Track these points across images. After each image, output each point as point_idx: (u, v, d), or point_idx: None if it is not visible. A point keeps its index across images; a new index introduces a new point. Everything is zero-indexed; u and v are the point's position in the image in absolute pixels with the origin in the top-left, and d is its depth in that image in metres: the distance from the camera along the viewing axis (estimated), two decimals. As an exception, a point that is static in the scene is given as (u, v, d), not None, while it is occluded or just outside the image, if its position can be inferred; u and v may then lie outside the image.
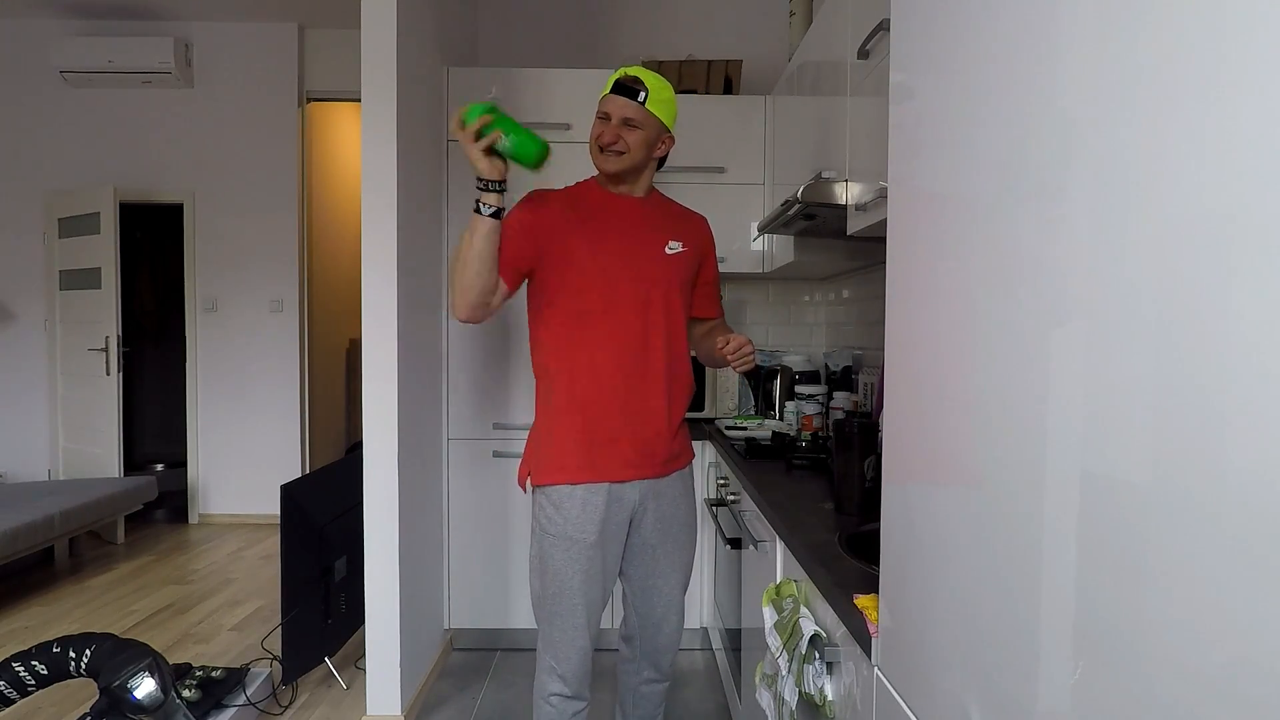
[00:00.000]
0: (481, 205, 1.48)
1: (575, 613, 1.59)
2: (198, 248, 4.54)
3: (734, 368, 1.63)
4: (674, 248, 1.66)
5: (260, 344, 4.55)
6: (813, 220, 2.00)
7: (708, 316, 1.82)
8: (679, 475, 1.70)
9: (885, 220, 0.89)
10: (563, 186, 1.69)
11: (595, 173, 1.67)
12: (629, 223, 1.63)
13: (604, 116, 1.59)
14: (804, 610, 1.19)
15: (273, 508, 4.21)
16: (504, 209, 1.51)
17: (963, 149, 0.71)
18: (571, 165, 2.62)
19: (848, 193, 1.71)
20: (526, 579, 2.68)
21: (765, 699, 1.31)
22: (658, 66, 3.02)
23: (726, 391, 2.84)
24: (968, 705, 0.68)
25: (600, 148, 1.59)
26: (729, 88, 3.03)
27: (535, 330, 1.64)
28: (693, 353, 1.77)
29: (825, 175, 1.85)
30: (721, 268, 2.86)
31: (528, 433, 1.69)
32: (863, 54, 1.62)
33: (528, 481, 1.63)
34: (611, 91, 1.58)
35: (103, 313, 4.24)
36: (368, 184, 2.13)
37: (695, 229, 1.74)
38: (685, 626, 2.69)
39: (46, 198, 4.46)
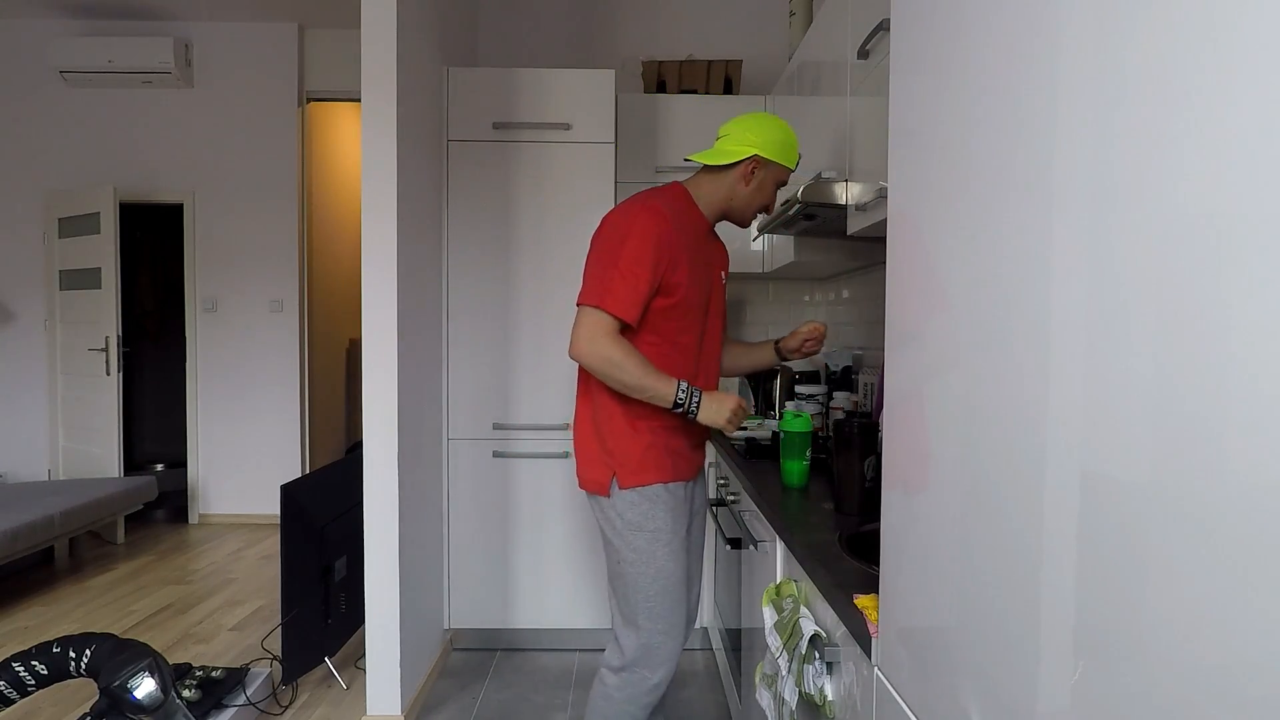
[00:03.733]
0: (678, 406, 1.54)
1: (681, 607, 1.62)
2: (198, 248, 4.53)
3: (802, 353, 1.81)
4: (724, 277, 1.77)
5: (260, 344, 4.55)
6: (813, 220, 2.00)
7: None
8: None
9: (885, 220, 0.89)
10: (641, 196, 1.63)
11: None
12: (712, 255, 1.71)
13: (782, 185, 1.69)
14: (804, 610, 1.19)
15: (273, 508, 4.22)
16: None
17: (962, 149, 0.71)
18: (571, 165, 2.63)
19: (848, 193, 1.71)
20: (526, 578, 2.68)
21: (765, 699, 1.31)
22: (658, 66, 3.03)
23: (726, 391, 2.84)
24: (968, 705, 0.68)
25: (761, 212, 1.71)
26: (729, 88, 3.03)
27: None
28: None
29: (825, 175, 1.85)
30: (721, 268, 2.89)
31: (593, 437, 1.64)
32: (863, 54, 1.62)
33: (612, 484, 1.60)
34: (793, 171, 1.69)
35: (103, 313, 4.23)
36: (368, 184, 2.13)
37: (726, 256, 1.83)
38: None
39: (46, 198, 4.46)
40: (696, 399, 1.55)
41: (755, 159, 1.61)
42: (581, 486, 1.67)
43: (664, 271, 1.53)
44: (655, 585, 1.58)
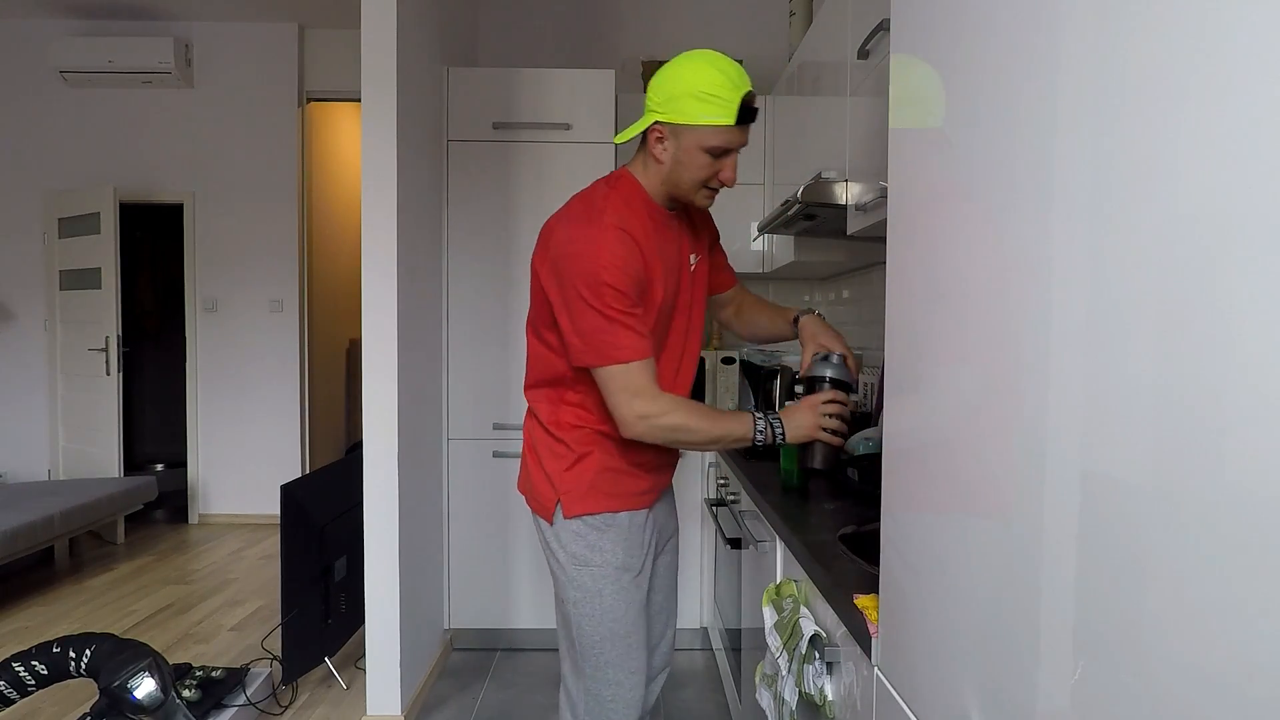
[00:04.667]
0: (760, 436, 1.33)
1: (633, 655, 1.39)
2: (198, 248, 4.54)
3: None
4: (693, 261, 1.47)
5: (260, 344, 4.55)
6: (813, 220, 2.00)
7: (729, 285, 1.66)
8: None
9: (885, 220, 0.89)
10: (584, 196, 1.38)
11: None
12: (675, 247, 1.41)
13: (726, 151, 1.28)
14: (804, 610, 1.19)
15: (273, 508, 4.20)
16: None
17: (962, 149, 0.71)
18: (571, 165, 2.63)
19: (848, 193, 1.71)
20: (526, 578, 2.68)
21: (765, 699, 1.31)
22: (658, 66, 3.02)
23: (726, 391, 2.84)
24: (968, 705, 0.68)
25: (710, 188, 1.33)
26: (729, 88, 3.03)
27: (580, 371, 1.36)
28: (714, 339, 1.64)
29: (825, 175, 1.85)
30: (721, 268, 2.89)
31: (534, 456, 1.44)
32: (863, 54, 1.62)
33: (556, 512, 1.39)
34: (741, 124, 1.27)
35: (103, 313, 4.24)
36: (368, 184, 2.13)
37: (704, 222, 1.53)
38: (685, 626, 2.71)
39: (46, 198, 4.46)
40: (779, 427, 1.33)
41: (655, 127, 1.29)
42: (528, 503, 1.47)
43: (641, 292, 1.31)
44: (601, 629, 1.37)
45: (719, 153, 1.28)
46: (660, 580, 1.54)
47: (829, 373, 1.40)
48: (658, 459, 1.45)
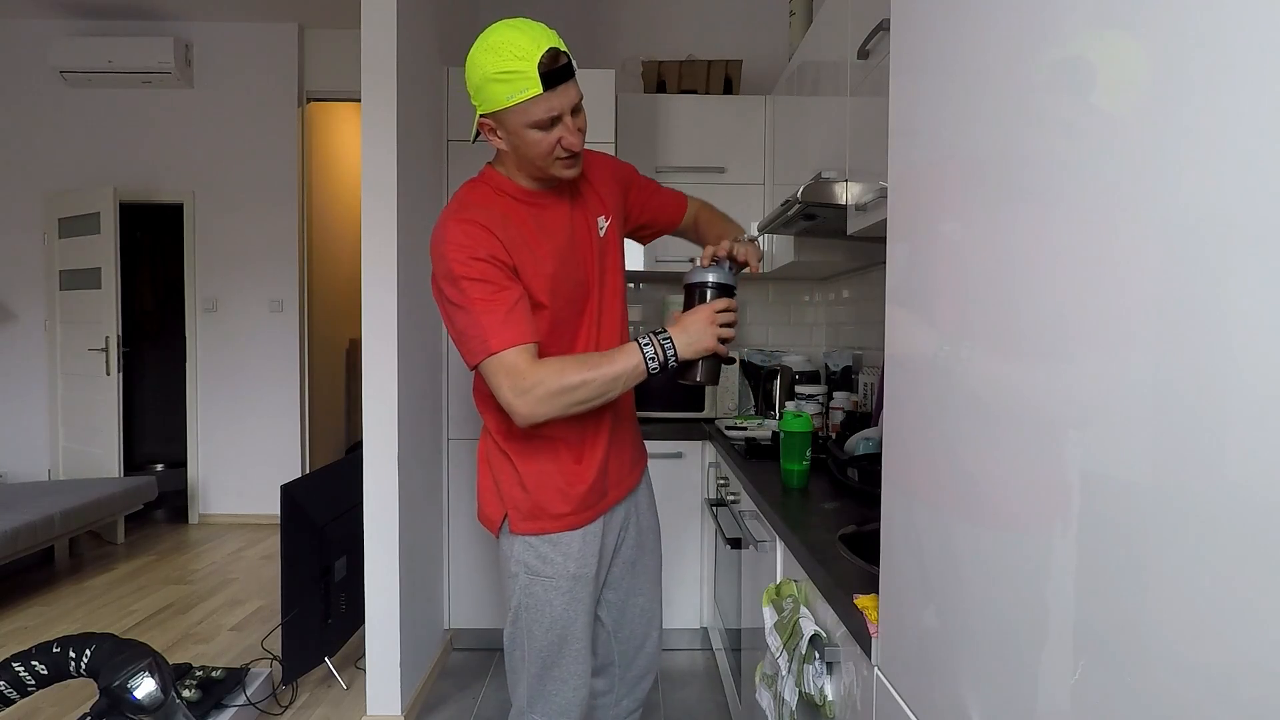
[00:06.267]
0: (651, 363, 1.26)
1: (581, 657, 1.41)
2: (198, 248, 4.53)
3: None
4: (603, 225, 1.40)
5: (260, 344, 4.55)
6: (813, 220, 2.00)
7: (681, 214, 1.60)
8: (645, 477, 1.58)
9: (885, 220, 0.89)
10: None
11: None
12: (564, 221, 1.35)
13: (554, 119, 1.21)
14: (804, 610, 1.19)
15: (273, 508, 4.21)
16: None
17: (962, 149, 0.71)
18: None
19: (848, 193, 1.72)
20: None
21: (765, 699, 1.31)
22: (658, 66, 3.02)
23: (726, 391, 2.84)
24: (968, 705, 0.68)
25: (561, 157, 1.26)
26: (729, 88, 3.03)
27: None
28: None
29: (825, 175, 1.85)
30: (721, 268, 2.88)
31: (487, 467, 1.45)
32: (863, 54, 1.62)
33: (503, 527, 1.39)
34: (553, 86, 1.18)
35: (103, 313, 4.24)
36: (368, 184, 2.13)
37: (602, 179, 1.44)
38: (685, 626, 2.71)
39: (46, 198, 4.46)
40: (670, 348, 1.26)
41: (481, 121, 1.27)
42: (478, 516, 1.46)
43: (511, 271, 1.26)
44: (547, 637, 1.38)
45: (547, 124, 1.21)
46: (640, 584, 1.54)
47: (711, 277, 1.33)
48: (609, 463, 1.41)
